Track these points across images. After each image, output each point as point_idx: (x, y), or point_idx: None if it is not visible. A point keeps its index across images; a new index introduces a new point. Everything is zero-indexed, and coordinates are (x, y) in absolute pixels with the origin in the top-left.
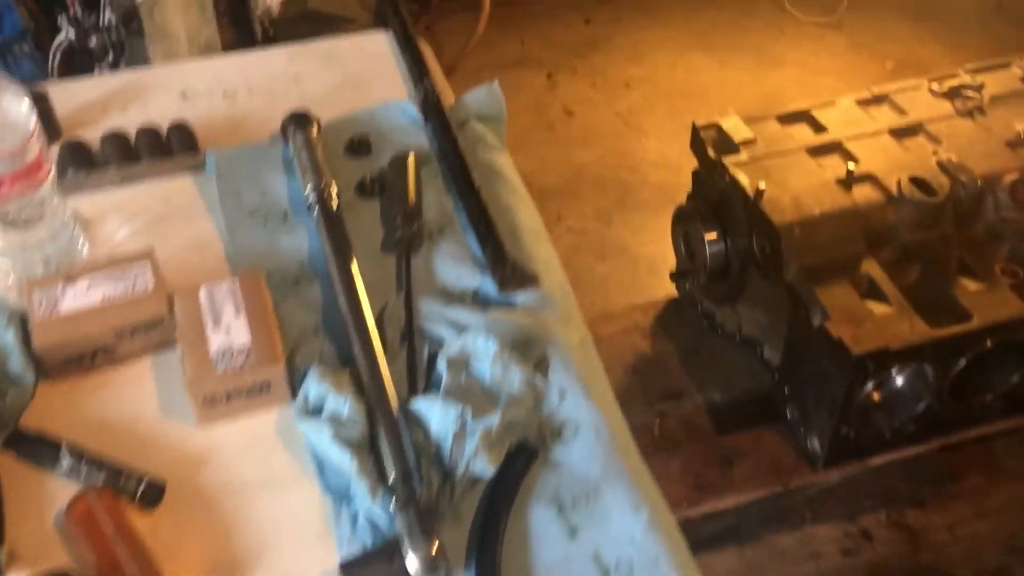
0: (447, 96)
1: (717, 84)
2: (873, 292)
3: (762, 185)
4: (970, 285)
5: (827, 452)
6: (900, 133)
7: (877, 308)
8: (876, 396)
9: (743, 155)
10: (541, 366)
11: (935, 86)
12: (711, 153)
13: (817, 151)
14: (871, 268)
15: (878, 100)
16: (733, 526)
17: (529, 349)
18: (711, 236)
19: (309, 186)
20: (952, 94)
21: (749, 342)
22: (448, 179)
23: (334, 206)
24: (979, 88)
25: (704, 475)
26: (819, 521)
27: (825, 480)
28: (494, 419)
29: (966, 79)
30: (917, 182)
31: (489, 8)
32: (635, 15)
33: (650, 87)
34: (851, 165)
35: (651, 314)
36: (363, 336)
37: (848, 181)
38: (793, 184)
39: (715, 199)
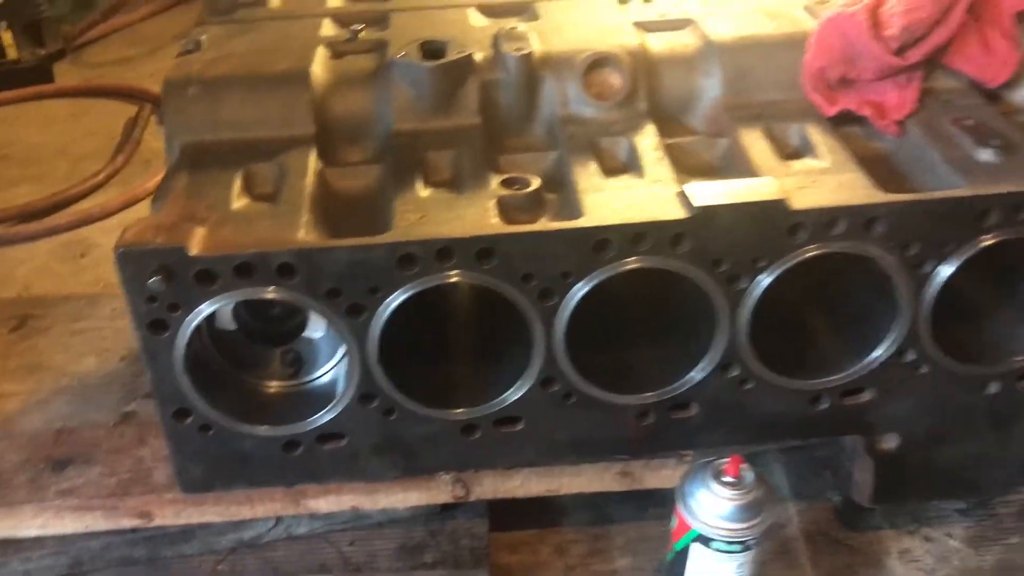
0: None
1: None
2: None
3: None
4: (426, 195)
5: None
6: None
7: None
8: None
9: None
10: None
11: None
12: None
13: (342, 19)
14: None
15: None
16: None
17: None
18: None
19: None
20: None
21: None
22: None
23: None
24: None
25: None
26: None
27: None
28: None
29: None
30: (428, 48)
31: None
32: None
33: None
34: (361, 29)
35: None
36: None
37: (340, 49)
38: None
39: None
